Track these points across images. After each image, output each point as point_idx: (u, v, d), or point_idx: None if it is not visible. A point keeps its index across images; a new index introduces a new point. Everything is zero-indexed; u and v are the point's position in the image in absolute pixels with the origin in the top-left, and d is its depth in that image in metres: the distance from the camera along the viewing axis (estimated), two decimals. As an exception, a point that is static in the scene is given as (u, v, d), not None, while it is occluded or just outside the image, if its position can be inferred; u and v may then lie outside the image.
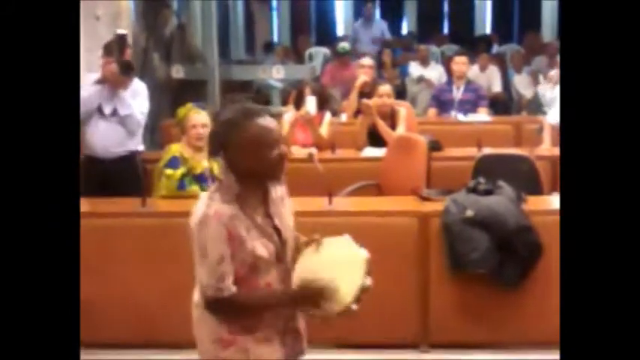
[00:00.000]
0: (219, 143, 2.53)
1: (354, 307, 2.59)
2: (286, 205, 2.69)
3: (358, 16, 12.73)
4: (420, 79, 9.81)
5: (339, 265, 2.61)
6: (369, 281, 2.59)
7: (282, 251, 2.61)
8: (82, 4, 6.15)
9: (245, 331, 2.58)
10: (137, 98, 5.35)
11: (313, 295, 2.56)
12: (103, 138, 5.28)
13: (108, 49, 5.34)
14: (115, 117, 5.27)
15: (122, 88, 5.23)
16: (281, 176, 2.61)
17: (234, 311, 2.56)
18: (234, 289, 2.51)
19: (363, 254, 2.63)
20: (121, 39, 5.32)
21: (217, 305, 2.53)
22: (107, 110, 5.26)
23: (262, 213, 2.58)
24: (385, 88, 6.45)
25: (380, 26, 12.27)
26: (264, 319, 2.59)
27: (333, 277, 2.57)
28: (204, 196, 2.58)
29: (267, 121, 2.53)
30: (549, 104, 7.35)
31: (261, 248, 2.54)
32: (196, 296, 2.64)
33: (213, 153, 2.59)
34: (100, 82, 5.23)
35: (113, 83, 5.19)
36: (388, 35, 12.16)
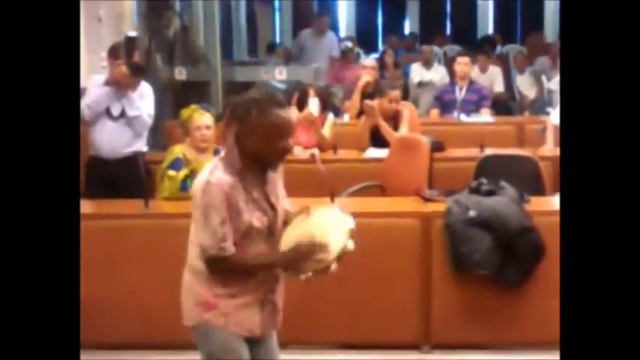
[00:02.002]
0: (237, 116, 2.72)
1: (334, 266, 2.74)
2: (281, 184, 2.90)
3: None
4: (421, 85, 9.81)
5: (326, 228, 2.78)
6: (351, 245, 2.75)
7: (274, 226, 2.82)
8: (84, 6, 6.19)
9: (228, 297, 2.78)
10: (144, 99, 5.38)
11: (302, 254, 2.74)
12: (110, 139, 5.31)
13: (114, 51, 5.37)
14: (123, 118, 5.31)
15: (131, 89, 5.26)
16: (279, 166, 2.83)
17: (233, 269, 2.76)
18: (233, 249, 2.72)
19: (349, 221, 2.80)
20: (131, 41, 5.36)
21: (218, 264, 2.73)
22: (115, 112, 5.30)
23: (259, 189, 2.78)
24: (395, 93, 6.44)
25: (331, 40, 11.03)
26: (247, 287, 2.79)
27: (319, 237, 2.76)
28: (208, 165, 2.78)
29: (286, 113, 2.74)
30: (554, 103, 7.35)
31: (256, 221, 2.75)
32: (189, 261, 2.85)
33: (227, 124, 2.76)
34: (109, 83, 5.25)
35: (123, 85, 5.21)
36: (336, 51, 10.81)
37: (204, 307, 2.80)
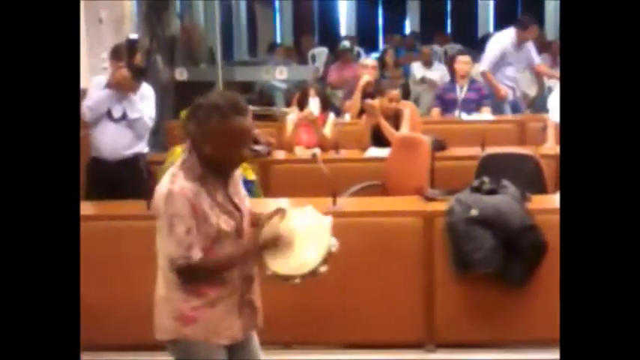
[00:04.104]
0: (197, 121, 2.68)
1: (323, 269, 2.73)
2: (241, 184, 2.90)
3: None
4: (424, 81, 9.82)
5: (305, 231, 2.77)
6: (334, 242, 2.75)
7: (241, 227, 2.79)
8: (85, 7, 6.19)
9: (206, 307, 2.74)
10: (145, 102, 5.38)
11: (273, 242, 2.75)
12: (111, 141, 5.32)
13: (116, 53, 5.36)
14: (124, 120, 5.31)
15: (132, 92, 5.26)
16: (235, 171, 2.82)
17: (204, 274, 2.72)
18: (200, 254, 2.66)
19: (327, 220, 2.79)
20: (132, 44, 5.35)
21: (188, 272, 2.68)
22: (116, 114, 5.30)
23: (222, 192, 2.75)
24: (395, 92, 6.44)
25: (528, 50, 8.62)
26: (223, 292, 2.76)
27: (300, 242, 2.76)
28: (167, 173, 2.72)
29: (247, 121, 2.70)
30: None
31: (224, 224, 2.72)
32: (161, 271, 2.81)
33: (186, 130, 2.72)
34: (110, 86, 5.25)
35: (124, 88, 5.22)
36: (536, 60, 8.74)
37: (182, 321, 2.76)
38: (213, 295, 2.75)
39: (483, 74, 8.22)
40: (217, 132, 2.64)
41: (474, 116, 7.55)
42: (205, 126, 2.65)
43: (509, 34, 8.31)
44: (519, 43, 8.23)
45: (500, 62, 8.21)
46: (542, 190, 5.01)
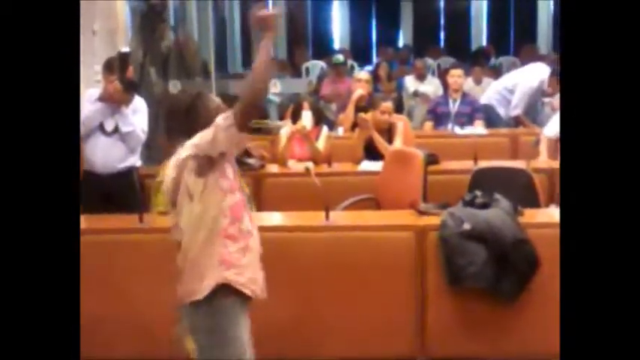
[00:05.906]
0: (185, 109, 3.09)
1: None
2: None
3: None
4: (416, 94, 9.84)
5: None
6: None
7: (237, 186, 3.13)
8: (79, 21, 6.16)
9: (239, 252, 3.05)
10: (137, 115, 5.39)
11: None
12: (103, 154, 5.32)
13: (109, 67, 5.37)
14: (117, 134, 5.31)
15: (125, 105, 5.27)
16: None
17: (257, 82, 3.01)
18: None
19: None
20: (124, 57, 5.36)
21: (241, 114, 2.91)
22: (109, 127, 5.30)
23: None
24: (387, 105, 6.47)
25: None
26: (251, 243, 3.10)
27: None
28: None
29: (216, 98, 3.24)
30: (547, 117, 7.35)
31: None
32: (194, 236, 3.06)
33: (176, 125, 3.09)
34: (102, 99, 5.25)
35: (116, 101, 5.22)
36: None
37: (225, 265, 3.01)
38: (243, 242, 3.05)
39: (517, 119, 8.10)
40: (210, 107, 3.11)
41: (467, 130, 7.56)
42: (198, 107, 3.10)
43: (539, 75, 7.97)
44: (549, 86, 7.86)
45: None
46: (534, 204, 5.02)
